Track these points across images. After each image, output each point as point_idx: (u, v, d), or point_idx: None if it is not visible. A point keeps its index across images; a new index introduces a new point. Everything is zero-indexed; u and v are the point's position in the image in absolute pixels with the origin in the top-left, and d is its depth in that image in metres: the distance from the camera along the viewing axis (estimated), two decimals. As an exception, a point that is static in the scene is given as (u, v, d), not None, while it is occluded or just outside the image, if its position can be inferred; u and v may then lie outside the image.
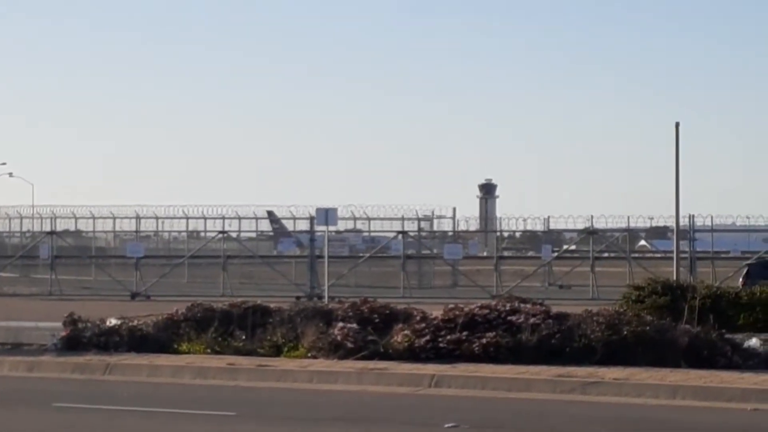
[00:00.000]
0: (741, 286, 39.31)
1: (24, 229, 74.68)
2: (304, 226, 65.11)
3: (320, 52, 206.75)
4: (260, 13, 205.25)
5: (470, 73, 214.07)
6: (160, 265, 67.62)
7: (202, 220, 71.31)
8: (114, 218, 72.89)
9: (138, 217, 71.16)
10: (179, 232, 76.92)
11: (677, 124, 45.55)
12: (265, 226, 72.88)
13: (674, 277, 42.52)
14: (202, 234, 73.27)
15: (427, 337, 24.86)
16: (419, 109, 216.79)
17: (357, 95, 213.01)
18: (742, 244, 72.28)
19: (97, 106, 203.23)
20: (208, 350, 26.37)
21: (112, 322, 28.13)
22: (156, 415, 19.81)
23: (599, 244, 62.56)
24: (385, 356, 24.83)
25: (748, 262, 50.41)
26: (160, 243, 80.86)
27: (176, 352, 26.51)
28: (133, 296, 56.84)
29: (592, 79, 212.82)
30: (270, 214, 72.37)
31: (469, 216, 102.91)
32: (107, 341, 27.14)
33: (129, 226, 72.61)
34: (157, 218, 73.29)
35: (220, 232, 64.78)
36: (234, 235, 68.27)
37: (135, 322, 28.10)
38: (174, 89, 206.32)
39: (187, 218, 71.62)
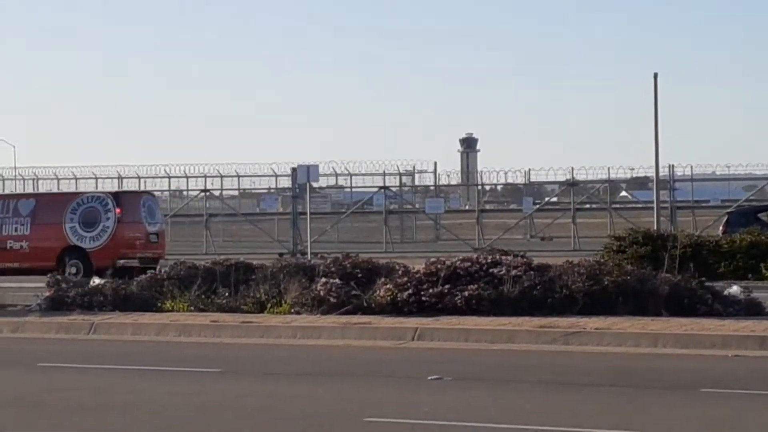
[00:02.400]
0: (721, 235, 39.45)
1: (6, 190, 74.55)
2: (285, 182, 65.03)
3: (303, 5, 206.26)
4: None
5: (450, 27, 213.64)
6: (143, 224, 67.50)
7: (184, 179, 71.28)
8: (96, 178, 72.82)
9: (120, 177, 71.10)
10: (162, 191, 76.83)
11: (655, 75, 45.56)
12: (247, 183, 72.75)
13: (655, 227, 42.63)
14: (185, 193, 73.22)
15: (410, 291, 24.88)
16: (399, 64, 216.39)
17: (339, 51, 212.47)
18: (722, 193, 72.51)
19: (77, 67, 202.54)
20: (192, 308, 26.37)
21: (96, 281, 28.13)
22: (141, 372, 19.84)
23: (580, 195, 62.73)
24: (368, 310, 24.86)
25: (729, 210, 50.50)
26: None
27: (160, 310, 26.52)
28: (117, 256, 56.74)
29: (572, 33, 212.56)
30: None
31: (450, 170, 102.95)
32: (91, 301, 27.15)
33: (111, 186, 72.46)
34: (139, 178, 73.20)
35: (202, 190, 64.78)
36: (216, 193, 68.21)
37: (118, 281, 28.09)
38: (151, 47, 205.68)
39: (169, 177, 71.58)
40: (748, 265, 34.34)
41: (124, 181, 71.71)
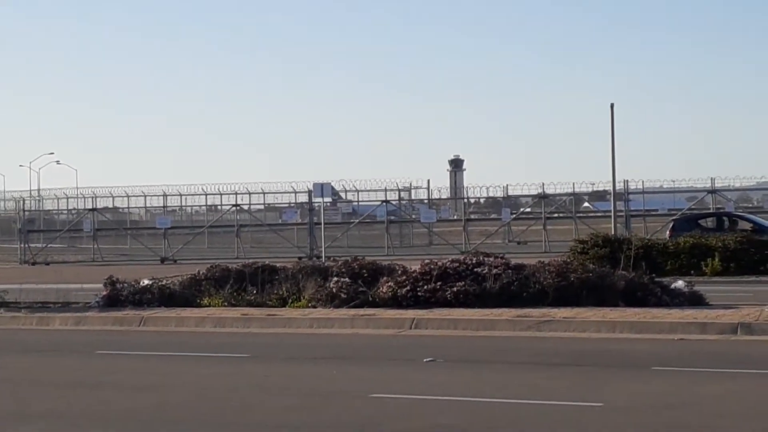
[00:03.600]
0: (668, 238, 39.47)
1: (70, 207, 74.60)
2: (303, 198, 64.98)
3: (322, 45, 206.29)
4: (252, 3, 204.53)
5: (441, 63, 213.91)
6: (184, 234, 67.69)
7: (219, 196, 71.30)
8: (145, 196, 72.92)
9: (165, 195, 71.16)
10: (200, 206, 76.93)
11: (612, 105, 45.62)
12: (271, 199, 72.71)
13: (612, 232, 42.63)
14: (219, 207, 73.22)
15: (408, 288, 24.85)
16: (399, 97, 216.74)
17: (344, 89, 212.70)
18: (668, 203, 72.45)
19: (127, 97, 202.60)
20: (225, 303, 26.34)
21: (145, 282, 28.09)
22: (183, 358, 19.82)
23: (550, 206, 62.69)
24: (373, 304, 24.84)
25: (674, 217, 50.54)
26: (184, 216, 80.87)
27: (199, 305, 26.49)
28: (162, 260, 56.77)
29: (542, 65, 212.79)
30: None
31: (441, 186, 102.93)
32: (141, 298, 27.11)
33: (158, 202, 72.58)
34: (180, 195, 73.29)
35: (234, 205, 64.72)
36: (245, 207, 68.17)
37: (164, 282, 28.06)
38: (179, 82, 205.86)
39: (206, 194, 71.65)
40: (691, 263, 34.36)
41: (168, 198, 71.70)
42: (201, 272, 28.07)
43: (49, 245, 64.97)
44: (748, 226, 42.92)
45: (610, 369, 17.13)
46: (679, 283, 25.00)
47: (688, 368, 16.90)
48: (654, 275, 26.11)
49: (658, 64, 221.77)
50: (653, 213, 67.85)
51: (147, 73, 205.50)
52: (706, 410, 13.41)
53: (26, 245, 61.42)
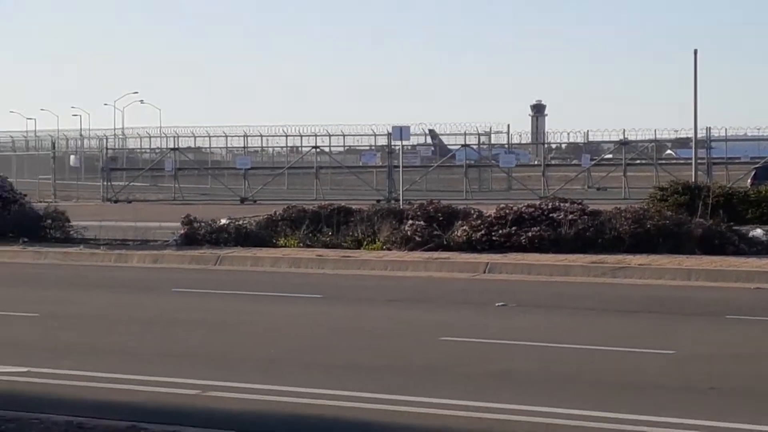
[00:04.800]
0: (749, 186, 38.91)
1: (152, 146, 75.19)
2: (383, 140, 64.91)
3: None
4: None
5: (523, 8, 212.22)
6: (265, 175, 67.90)
7: (299, 137, 71.41)
8: (226, 136, 73.17)
9: (246, 135, 71.33)
10: (280, 147, 77.18)
11: (695, 51, 44.87)
12: (351, 141, 72.75)
13: (693, 180, 42.11)
14: (299, 148, 73.38)
15: (482, 232, 24.75)
16: (482, 40, 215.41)
17: (428, 32, 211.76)
18: (752, 151, 71.43)
19: (210, 38, 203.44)
20: (301, 244, 26.42)
21: (222, 221, 28.24)
22: (258, 297, 19.94)
23: (631, 152, 62.12)
24: (447, 248, 24.77)
25: (756, 165, 49.85)
26: (265, 156, 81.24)
27: (274, 246, 26.59)
28: (242, 201, 57.05)
29: (626, 12, 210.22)
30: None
31: (521, 131, 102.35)
32: (218, 237, 27.26)
33: (238, 143, 72.84)
34: (261, 136, 73.55)
35: (314, 147, 64.77)
36: (325, 149, 68.25)
37: (241, 222, 28.19)
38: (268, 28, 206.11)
39: (287, 136, 71.82)
40: (772, 212, 33.79)
41: (249, 138, 71.96)
42: (277, 213, 28.14)
43: (131, 183, 65.43)
44: (832, 174, 42.18)
45: (684, 317, 16.97)
46: (758, 232, 24.66)
47: (763, 317, 16.71)
48: (733, 224, 25.75)
49: (741, 10, 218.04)
50: (736, 161, 66.90)
51: (230, 14, 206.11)
52: (779, 360, 13.24)
53: (109, 183, 61.96)
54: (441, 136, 74.96)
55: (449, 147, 69.63)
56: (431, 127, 70.32)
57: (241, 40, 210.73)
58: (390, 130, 52.01)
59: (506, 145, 72.44)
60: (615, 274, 21.78)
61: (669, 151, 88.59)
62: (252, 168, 64.87)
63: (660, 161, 66.14)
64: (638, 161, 65.56)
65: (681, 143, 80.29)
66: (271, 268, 24.56)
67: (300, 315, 17.43)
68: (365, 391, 11.46)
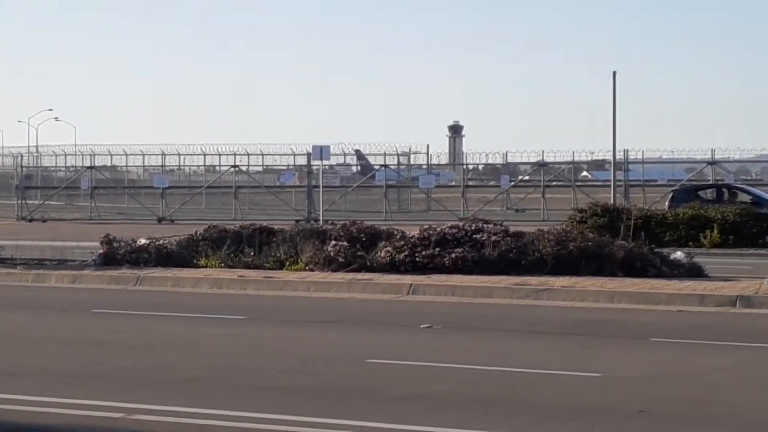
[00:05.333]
0: (667, 209, 39.35)
1: (68, 164, 74.28)
2: (301, 160, 64.77)
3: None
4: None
5: (442, 29, 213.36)
6: (182, 194, 67.48)
7: (217, 156, 70.99)
8: (143, 155, 72.53)
9: (163, 154, 70.82)
10: (198, 166, 76.68)
11: (614, 73, 45.45)
12: (269, 161, 72.49)
13: (611, 202, 42.49)
14: (217, 168, 72.96)
15: (406, 253, 24.70)
16: (400, 63, 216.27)
17: (345, 53, 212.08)
18: (667, 174, 72.32)
19: (127, 55, 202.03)
20: (222, 264, 26.19)
21: (142, 241, 27.92)
22: (180, 318, 19.70)
23: (549, 174, 62.51)
24: (371, 269, 24.68)
25: (674, 188, 50.40)
26: (182, 176, 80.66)
27: (196, 266, 26.33)
28: (160, 220, 56.61)
29: (547, 32, 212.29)
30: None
31: (440, 152, 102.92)
32: (138, 257, 26.94)
33: (156, 161, 72.26)
34: (179, 155, 73.01)
35: (232, 166, 64.47)
36: (244, 168, 67.92)
37: (161, 242, 27.88)
38: (189, 39, 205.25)
39: (205, 155, 71.36)
40: (690, 235, 34.24)
41: (167, 157, 71.43)
42: (198, 233, 27.89)
43: (46, 202, 64.68)
44: (747, 198, 42.80)
45: (609, 339, 17.04)
46: (678, 254, 24.86)
47: (686, 340, 16.80)
48: (653, 246, 25.97)
49: (660, 33, 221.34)
50: (652, 183, 67.68)
51: (147, 30, 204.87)
52: (705, 382, 13.32)
53: (23, 201, 61.18)
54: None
55: (373, 167, 69.71)
56: (357, 148, 70.29)
57: (158, 57, 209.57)
58: (310, 150, 51.88)
59: (425, 166, 72.64)
60: (538, 296, 21.81)
61: (585, 173, 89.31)
62: (169, 187, 64.41)
63: (577, 183, 66.65)
64: (556, 183, 66.00)
65: (597, 165, 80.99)
66: (193, 288, 24.31)
67: (224, 336, 17.24)
68: (293, 414, 11.34)
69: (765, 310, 20.20)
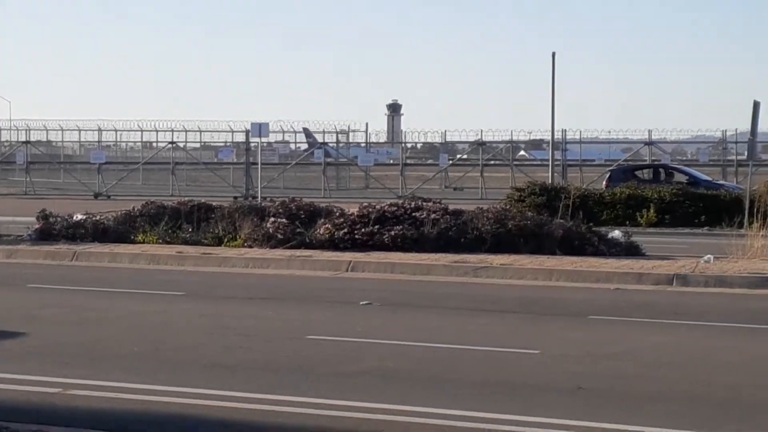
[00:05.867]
0: (604, 188, 39.62)
1: (3, 139, 73.52)
2: (240, 137, 64.54)
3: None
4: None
5: (380, 8, 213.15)
6: (119, 170, 67.03)
7: (155, 132, 70.64)
8: (79, 130, 72.07)
9: (100, 130, 70.39)
10: (135, 142, 76.19)
11: (553, 54, 45.52)
12: (207, 137, 72.22)
13: (549, 181, 42.70)
14: (155, 144, 72.55)
15: (345, 230, 24.68)
16: (339, 43, 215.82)
17: (286, 30, 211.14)
18: (605, 154, 72.89)
19: (65, 30, 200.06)
20: (160, 240, 26.03)
21: (79, 217, 27.70)
22: (116, 294, 19.55)
23: (487, 153, 62.75)
24: (310, 246, 24.64)
25: (611, 168, 50.77)
26: (119, 151, 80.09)
27: (133, 242, 26.16)
28: (96, 196, 56.16)
29: (487, 12, 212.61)
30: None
31: (379, 130, 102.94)
32: (74, 233, 26.72)
33: (92, 137, 71.79)
34: (116, 130, 72.58)
35: (170, 142, 64.11)
36: (181, 145, 67.58)
37: (98, 217, 27.68)
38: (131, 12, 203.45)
39: (142, 131, 71.01)
40: (627, 214, 34.50)
41: (103, 133, 70.89)
42: (136, 208, 27.70)
43: (-19, 177, 64.08)
44: (683, 178, 43.17)
45: (547, 317, 17.11)
46: (616, 233, 25.03)
47: (624, 318, 16.91)
48: (591, 224, 26.14)
49: (598, 15, 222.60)
50: (590, 163, 68.16)
51: (83, 5, 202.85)
52: (642, 359, 13.41)
53: (-43, 176, 60.59)
54: (298, 134, 74.77)
55: (311, 145, 69.59)
56: (305, 126, 70.23)
57: (95, 31, 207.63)
58: (248, 127, 51.68)
59: (364, 144, 72.65)
60: (477, 274, 21.88)
61: (522, 153, 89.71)
62: (106, 163, 63.94)
63: (515, 162, 66.94)
64: (494, 162, 66.26)
65: (535, 145, 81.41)
66: (130, 264, 24.13)
67: (162, 312, 17.13)
68: (233, 390, 11.29)
69: (701, 288, 20.40)
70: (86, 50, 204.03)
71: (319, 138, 66.41)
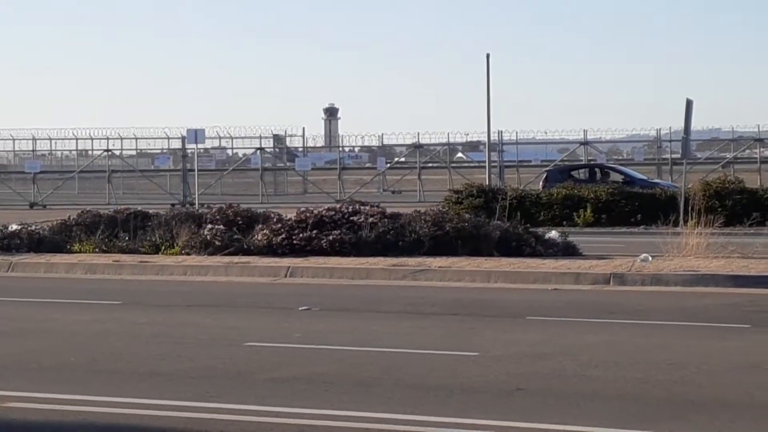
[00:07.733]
0: (541, 189, 39.87)
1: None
2: (176, 144, 64.28)
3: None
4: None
5: (316, 9, 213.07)
6: (54, 179, 66.53)
7: (90, 140, 70.24)
8: (13, 139, 71.47)
9: (34, 139, 69.84)
10: (70, 150, 75.67)
11: (488, 55, 45.82)
12: (143, 144, 71.90)
13: (487, 183, 42.90)
14: (90, 152, 72.10)
15: (283, 236, 24.64)
16: (275, 48, 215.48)
17: (219, 35, 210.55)
18: (541, 154, 73.32)
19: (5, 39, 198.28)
20: (97, 249, 25.85)
21: (14, 227, 27.45)
22: (53, 304, 19.40)
23: (424, 156, 62.99)
24: (248, 252, 24.58)
25: (547, 168, 51.06)
26: (54, 160, 79.52)
27: (69, 251, 25.96)
28: (32, 206, 55.71)
29: (420, 13, 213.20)
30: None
31: (316, 134, 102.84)
32: (9, 243, 26.49)
33: (27, 146, 71.20)
34: (51, 139, 72.06)
35: (105, 150, 63.73)
36: (117, 152, 67.19)
37: (33, 227, 27.46)
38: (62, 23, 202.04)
39: (77, 138, 70.60)
40: (564, 214, 34.74)
41: (38, 142, 70.35)
42: (72, 218, 27.52)
43: None
44: (619, 177, 43.53)
45: (486, 318, 17.18)
46: (553, 234, 25.17)
47: (562, 318, 17.01)
48: (528, 225, 26.27)
49: (533, 17, 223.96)
50: (526, 164, 68.55)
51: (18, 11, 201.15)
52: (580, 359, 13.49)
53: None
54: (235, 140, 74.53)
55: (244, 151, 69.44)
56: (276, 133, 70.18)
57: (28, 38, 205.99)
58: (184, 134, 51.50)
59: (301, 148, 72.61)
60: (416, 277, 21.92)
61: (460, 155, 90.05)
62: (41, 172, 63.47)
63: (453, 164, 67.25)
64: (431, 164, 66.50)
65: (472, 146, 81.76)
66: (66, 274, 23.96)
67: (98, 322, 17.01)
68: (171, 399, 11.23)
69: (638, 287, 20.56)
70: (16, 59, 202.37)
71: (256, 143, 66.28)
